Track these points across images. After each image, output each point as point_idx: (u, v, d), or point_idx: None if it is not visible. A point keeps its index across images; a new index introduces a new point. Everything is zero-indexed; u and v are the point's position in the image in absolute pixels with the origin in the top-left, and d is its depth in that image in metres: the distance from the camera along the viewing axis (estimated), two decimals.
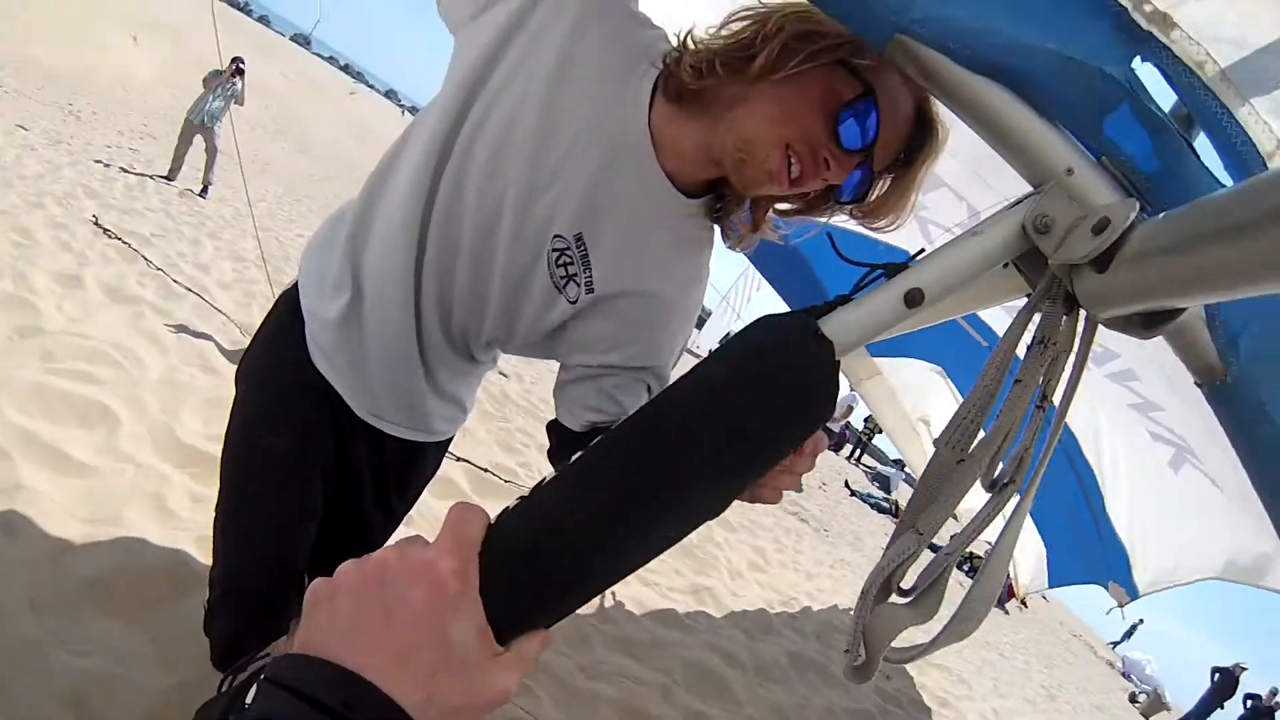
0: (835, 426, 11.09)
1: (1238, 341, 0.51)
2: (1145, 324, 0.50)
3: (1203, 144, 0.53)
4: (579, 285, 0.88)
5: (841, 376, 0.50)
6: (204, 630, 1.09)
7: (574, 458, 0.49)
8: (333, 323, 0.98)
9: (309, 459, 1.03)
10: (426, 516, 2.88)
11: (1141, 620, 19.01)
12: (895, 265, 0.52)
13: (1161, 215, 0.43)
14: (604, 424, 0.91)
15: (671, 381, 0.51)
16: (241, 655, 0.97)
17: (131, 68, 13.93)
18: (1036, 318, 0.52)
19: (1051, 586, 2.49)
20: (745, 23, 0.78)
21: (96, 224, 4.41)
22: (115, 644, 1.61)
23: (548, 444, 1.00)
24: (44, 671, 1.45)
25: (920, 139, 0.77)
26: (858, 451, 17.79)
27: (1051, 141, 0.52)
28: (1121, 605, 2.15)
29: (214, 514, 1.06)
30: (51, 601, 1.63)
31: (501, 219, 0.87)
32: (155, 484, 2.22)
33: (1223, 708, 12.33)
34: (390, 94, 74.38)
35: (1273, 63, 0.49)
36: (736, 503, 0.53)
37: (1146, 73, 0.52)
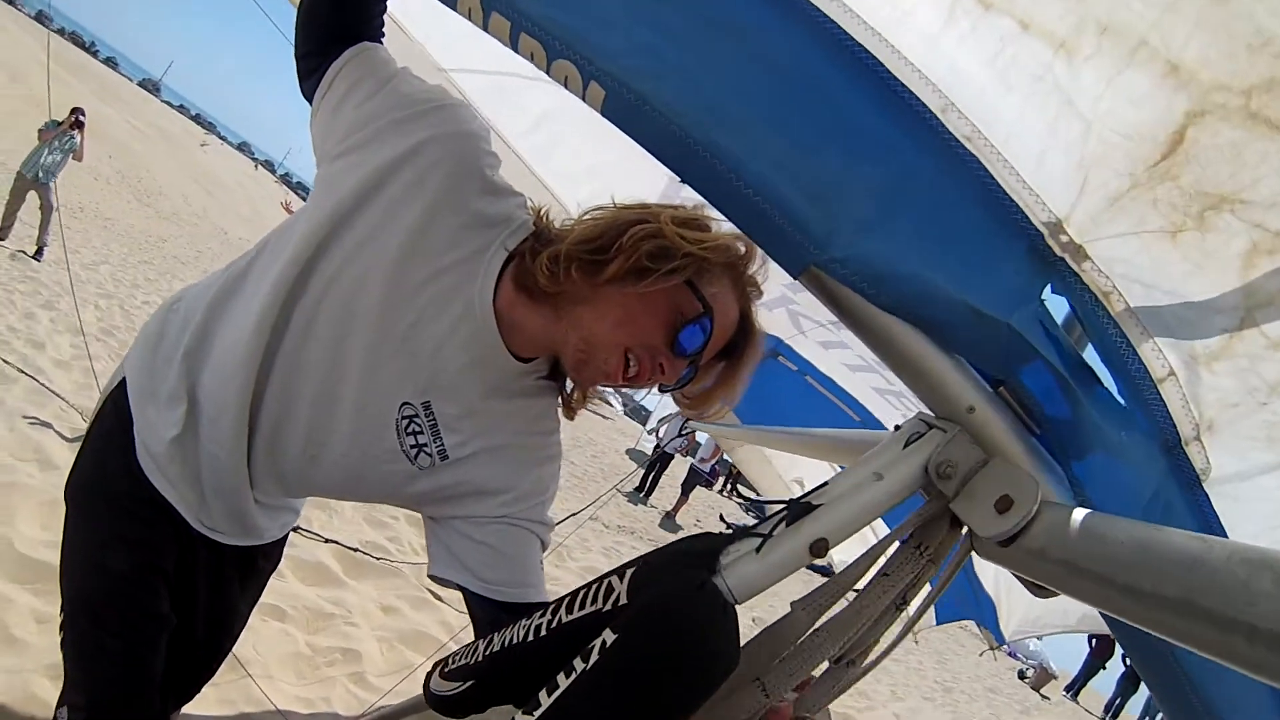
0: (705, 466, 11.37)
1: None
2: (1034, 589, 0.52)
3: (1091, 354, 0.55)
4: (430, 454, 0.90)
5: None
6: None
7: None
8: (168, 435, 0.94)
9: (153, 574, 1.00)
10: (298, 608, 2.73)
11: None
12: (799, 506, 0.52)
13: (1070, 519, 0.44)
14: (497, 580, 0.91)
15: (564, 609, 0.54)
16: None
17: None
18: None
19: (938, 624, 2.67)
20: (599, 222, 0.82)
21: None
22: None
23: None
24: None
25: (743, 340, 0.85)
26: (730, 485, 17.71)
27: (954, 379, 0.52)
28: (992, 649, 2.35)
29: (61, 638, 1.00)
30: None
31: (346, 385, 0.88)
32: None
33: (1105, 668, 13.20)
34: (243, 147, 70.85)
35: (1195, 316, 0.49)
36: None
37: (1055, 303, 0.54)
